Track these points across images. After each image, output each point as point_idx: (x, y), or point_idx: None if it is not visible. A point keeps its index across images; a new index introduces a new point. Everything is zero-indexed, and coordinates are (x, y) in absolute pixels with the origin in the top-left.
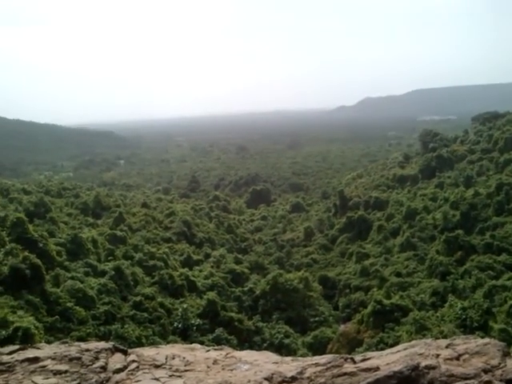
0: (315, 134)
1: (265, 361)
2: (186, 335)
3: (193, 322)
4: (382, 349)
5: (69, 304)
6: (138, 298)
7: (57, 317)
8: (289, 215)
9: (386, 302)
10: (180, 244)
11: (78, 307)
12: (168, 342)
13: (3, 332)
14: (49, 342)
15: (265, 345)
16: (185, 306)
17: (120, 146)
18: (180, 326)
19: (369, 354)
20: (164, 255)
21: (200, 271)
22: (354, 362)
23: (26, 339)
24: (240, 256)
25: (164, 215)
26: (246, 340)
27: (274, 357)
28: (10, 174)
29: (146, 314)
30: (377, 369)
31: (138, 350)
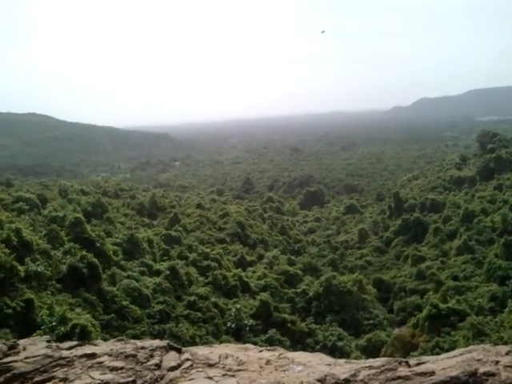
0: (370, 135)
1: (318, 362)
2: (238, 335)
3: (246, 322)
4: (438, 354)
5: (124, 302)
6: (192, 298)
7: (113, 315)
8: (343, 217)
9: (442, 305)
10: (233, 245)
11: (133, 306)
12: (221, 342)
13: (62, 328)
14: (105, 340)
15: (318, 347)
16: (238, 306)
17: (175, 147)
18: (233, 326)
19: (424, 358)
20: (218, 256)
21: (253, 272)
22: (409, 366)
23: (83, 336)
24: (293, 257)
25: (218, 216)
26: (299, 342)
27: (328, 358)
28: (69, 176)
29: (199, 314)
30: (432, 373)
31: (191, 348)
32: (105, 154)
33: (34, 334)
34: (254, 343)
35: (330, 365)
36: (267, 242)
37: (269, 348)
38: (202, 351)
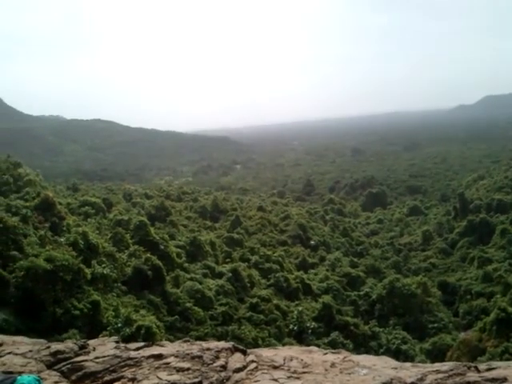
0: (433, 135)
1: (383, 366)
2: (301, 338)
3: (308, 324)
4: (508, 359)
5: (188, 304)
6: (254, 300)
7: (176, 316)
8: (406, 218)
9: (510, 309)
10: (295, 247)
11: (196, 308)
12: (283, 344)
13: (127, 330)
14: (169, 341)
15: (381, 350)
16: (300, 308)
17: (236, 151)
18: (295, 328)
19: (494, 364)
20: (279, 258)
21: (315, 274)
22: (478, 371)
23: (147, 337)
24: (356, 259)
25: (279, 218)
26: (362, 345)
27: (393, 362)
28: (133, 180)
29: (262, 316)
30: (504, 380)
31: (256, 350)
32: (167, 158)
33: (101, 335)
34: (317, 346)
35: (396, 368)
36: (329, 244)
37: (333, 351)
38: (266, 353)
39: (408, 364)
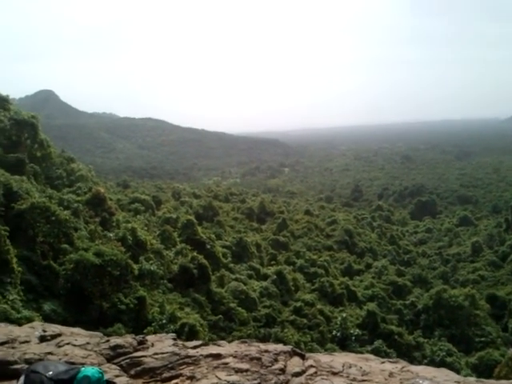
0: (486, 145)
1: (444, 378)
2: (343, 344)
3: (352, 331)
4: None
5: (232, 304)
6: (298, 304)
7: (220, 316)
8: (455, 228)
9: None
10: (341, 253)
11: (240, 308)
12: (326, 350)
13: (171, 327)
14: (211, 340)
15: (425, 361)
16: (344, 315)
17: (285, 153)
18: (338, 334)
19: None
20: (325, 263)
21: (360, 281)
22: None
23: (191, 335)
24: (402, 268)
25: (326, 223)
26: (406, 355)
27: (455, 375)
28: (182, 179)
29: (305, 320)
30: None
31: (314, 355)
32: (216, 159)
33: (145, 331)
34: (360, 353)
35: (458, 382)
36: (376, 251)
37: (391, 360)
38: (324, 358)
39: (472, 379)
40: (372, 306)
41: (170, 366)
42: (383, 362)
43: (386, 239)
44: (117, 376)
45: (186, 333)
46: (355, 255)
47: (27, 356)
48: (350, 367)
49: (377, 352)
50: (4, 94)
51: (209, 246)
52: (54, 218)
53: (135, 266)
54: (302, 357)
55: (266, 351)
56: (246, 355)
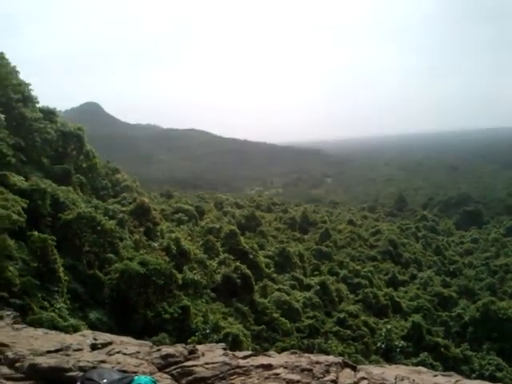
0: None
1: None
2: (388, 356)
3: (396, 343)
4: None
5: (275, 315)
6: (341, 315)
7: (263, 326)
8: (503, 239)
9: None
10: (385, 263)
11: (283, 319)
12: (370, 362)
13: (215, 336)
14: (254, 350)
15: (473, 375)
16: (389, 326)
17: (327, 163)
18: (383, 346)
19: None
20: (369, 273)
21: (405, 292)
22: None
23: (234, 345)
24: (448, 279)
25: (369, 233)
26: (453, 368)
27: None
28: (225, 189)
29: (349, 332)
30: None
31: (365, 367)
32: (258, 169)
33: (189, 340)
34: (405, 365)
35: None
36: (420, 261)
37: (443, 373)
38: (375, 371)
39: None
40: (417, 317)
41: (220, 375)
42: (436, 376)
43: (431, 250)
44: None
45: (230, 342)
46: (399, 266)
47: (81, 364)
48: (403, 380)
49: (422, 365)
50: (51, 106)
51: (251, 256)
52: (99, 228)
53: (179, 276)
54: (354, 368)
55: (318, 362)
56: (297, 366)
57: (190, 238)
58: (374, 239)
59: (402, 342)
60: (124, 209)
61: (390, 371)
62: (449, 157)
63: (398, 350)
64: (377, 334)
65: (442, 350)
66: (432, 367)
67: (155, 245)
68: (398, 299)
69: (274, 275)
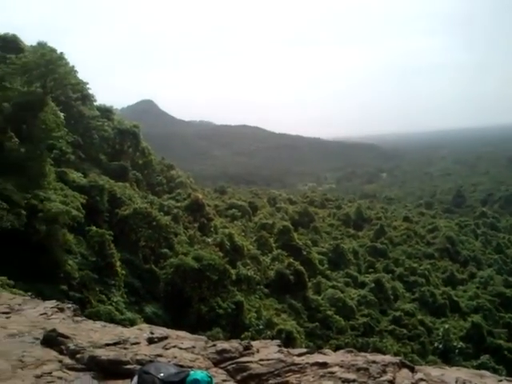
0: None
1: None
2: (446, 357)
3: (455, 344)
4: None
5: (329, 312)
6: (397, 313)
7: (317, 323)
8: None
9: None
10: (442, 261)
11: (337, 316)
12: (427, 362)
13: (268, 333)
14: (308, 347)
15: None
16: (446, 326)
17: (382, 158)
18: (440, 346)
19: None
20: (425, 271)
21: (464, 291)
22: None
23: (288, 342)
24: (511, 279)
25: (426, 230)
26: None
27: None
28: (278, 185)
29: (405, 331)
30: None
31: (423, 368)
32: (311, 164)
33: (243, 336)
34: (465, 368)
35: None
36: (480, 260)
37: (508, 378)
38: (434, 372)
39: None
40: (477, 318)
41: (276, 372)
42: (501, 381)
43: (491, 247)
44: (224, 381)
45: (283, 339)
46: (458, 264)
47: (138, 357)
48: (464, 383)
49: (483, 368)
50: (108, 104)
51: (305, 253)
52: (155, 224)
53: (233, 271)
54: (411, 369)
55: (374, 362)
56: (353, 365)
57: (243, 233)
58: (431, 236)
59: (461, 342)
60: (179, 204)
61: (450, 373)
62: (509, 151)
63: (457, 351)
64: (434, 333)
65: (505, 352)
66: (494, 371)
67: (209, 240)
68: (456, 298)
69: (328, 272)
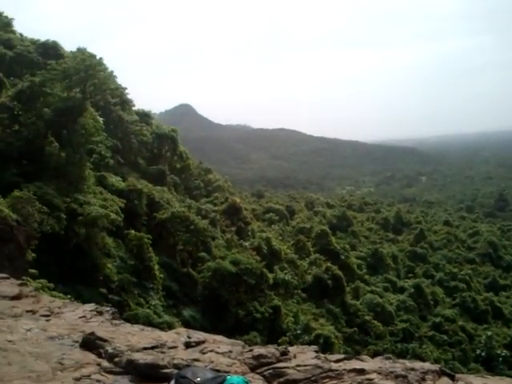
0: None
1: None
2: (489, 366)
3: (498, 352)
4: None
5: (367, 317)
6: (437, 319)
7: (355, 329)
8: None
9: None
10: (484, 266)
11: (376, 321)
12: (469, 370)
13: (306, 337)
14: (346, 353)
15: None
16: (489, 333)
17: (422, 161)
18: (483, 354)
19: None
20: (467, 276)
21: (507, 297)
22: None
23: (326, 347)
24: None
25: (467, 235)
26: None
27: None
28: (315, 188)
29: (445, 337)
30: None
31: (465, 376)
32: (349, 168)
33: (280, 340)
34: (509, 377)
35: None
36: None
37: None
38: (475, 381)
39: None
40: None
41: (312, 378)
42: None
43: None
44: None
45: (321, 344)
46: (500, 269)
47: (175, 361)
48: None
49: None
50: (146, 109)
51: (343, 257)
52: (192, 227)
53: (270, 275)
54: (452, 377)
55: (413, 369)
56: (391, 372)
57: (280, 237)
58: (472, 241)
59: (505, 351)
60: (216, 208)
61: (493, 383)
62: None
63: (501, 359)
64: (476, 340)
65: None
66: None
67: (246, 244)
68: (499, 304)
69: (366, 277)
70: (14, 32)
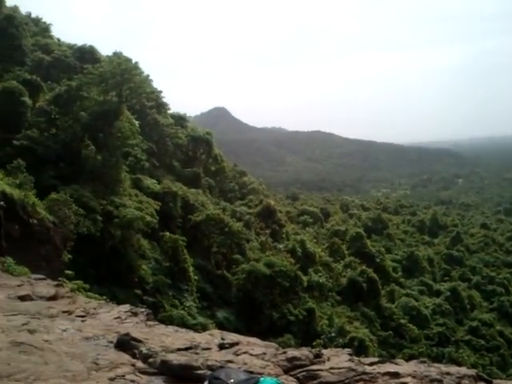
0: None
1: None
2: None
3: None
4: None
5: (402, 321)
6: (474, 323)
7: (390, 332)
8: None
9: None
10: None
11: (411, 325)
12: (508, 376)
13: (340, 340)
14: (381, 356)
15: None
16: None
17: (458, 163)
18: None
19: None
20: (505, 280)
21: None
22: None
23: (360, 350)
24: None
25: (505, 238)
26: None
27: None
28: (350, 191)
29: (482, 341)
30: None
31: (502, 382)
32: (384, 170)
33: (314, 343)
34: None
35: None
36: None
37: None
38: None
39: None
40: None
41: (346, 381)
42: None
43: None
44: None
45: (356, 347)
46: None
47: (209, 362)
48: None
49: None
50: (182, 112)
51: (378, 260)
52: (227, 230)
53: (304, 278)
54: (489, 383)
55: (448, 373)
56: (426, 376)
57: (315, 240)
58: (511, 244)
59: None
60: (251, 211)
61: None
62: None
63: None
64: None
65: None
66: None
67: (281, 247)
68: None
69: (402, 280)
70: (51, 37)
